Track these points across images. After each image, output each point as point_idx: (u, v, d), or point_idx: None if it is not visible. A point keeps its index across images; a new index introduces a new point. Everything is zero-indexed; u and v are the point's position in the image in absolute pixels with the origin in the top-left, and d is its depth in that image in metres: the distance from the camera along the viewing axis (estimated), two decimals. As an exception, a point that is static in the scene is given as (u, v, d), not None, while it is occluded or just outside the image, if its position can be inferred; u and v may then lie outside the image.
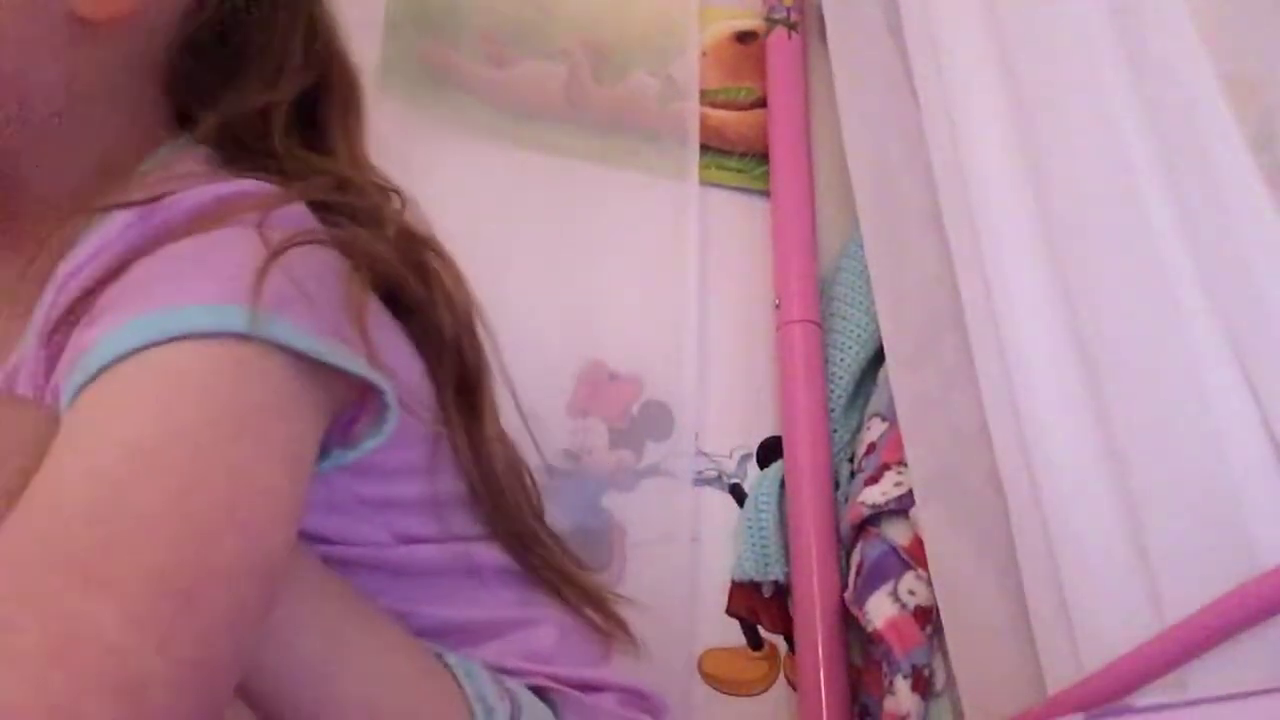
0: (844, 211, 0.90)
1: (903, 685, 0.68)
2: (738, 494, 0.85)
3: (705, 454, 0.85)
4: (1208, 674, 0.53)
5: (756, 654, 0.80)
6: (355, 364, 0.41)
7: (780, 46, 0.99)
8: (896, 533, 0.74)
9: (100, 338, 0.37)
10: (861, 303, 0.85)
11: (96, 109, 0.49)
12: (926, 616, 0.70)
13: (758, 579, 0.80)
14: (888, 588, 0.72)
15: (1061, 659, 0.60)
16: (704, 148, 0.96)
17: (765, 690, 0.80)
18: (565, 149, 0.92)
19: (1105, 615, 0.58)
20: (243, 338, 0.37)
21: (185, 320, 0.37)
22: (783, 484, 0.82)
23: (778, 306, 0.88)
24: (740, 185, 0.96)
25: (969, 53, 0.80)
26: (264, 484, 0.36)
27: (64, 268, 0.43)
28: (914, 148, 0.83)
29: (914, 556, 0.72)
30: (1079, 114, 0.71)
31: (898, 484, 0.75)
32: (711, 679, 0.79)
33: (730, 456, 0.86)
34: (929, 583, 0.71)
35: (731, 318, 0.91)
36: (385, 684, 0.45)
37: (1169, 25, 0.69)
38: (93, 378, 0.36)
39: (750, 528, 0.81)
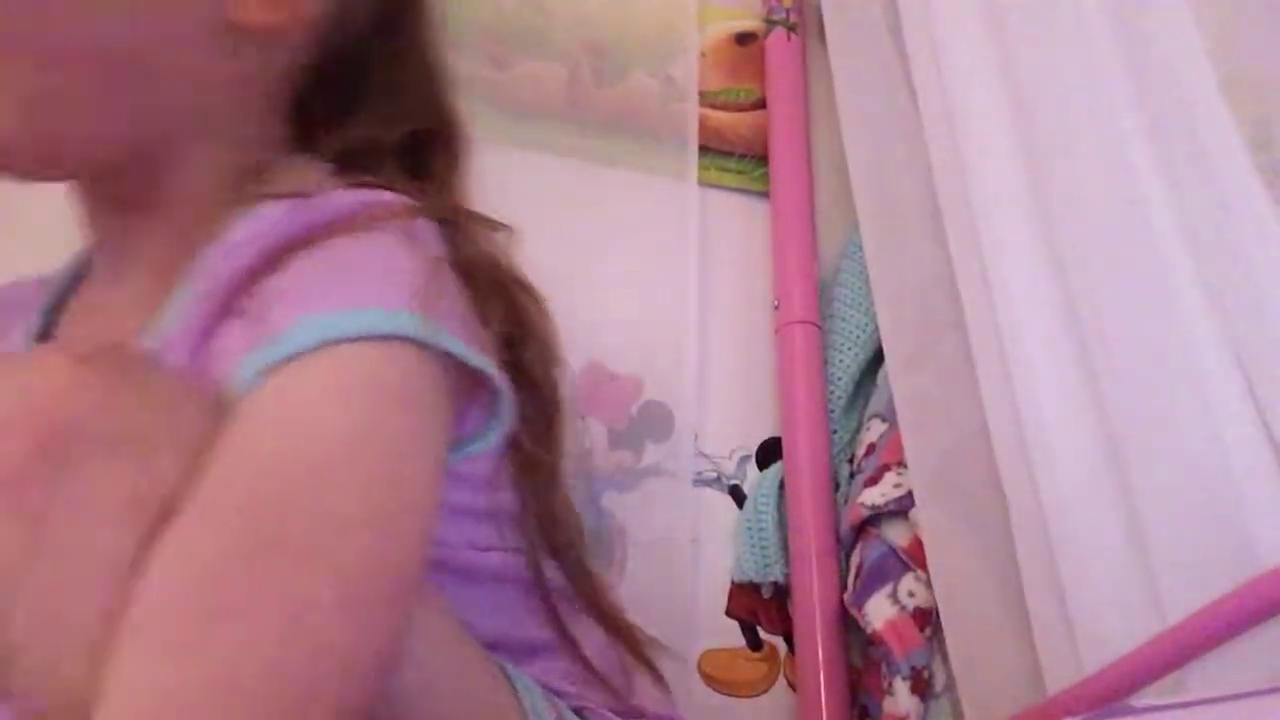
0: (844, 211, 0.90)
1: (902, 687, 0.68)
2: (737, 495, 0.85)
3: (705, 455, 0.85)
4: (1207, 674, 0.53)
5: (756, 655, 0.80)
6: (495, 373, 0.44)
7: (779, 47, 0.99)
8: (896, 534, 0.74)
9: (284, 327, 0.39)
10: (861, 303, 0.85)
11: (232, 113, 0.51)
12: (926, 618, 0.70)
13: (757, 580, 0.80)
14: (887, 589, 0.71)
15: (1061, 659, 0.60)
16: (703, 149, 0.96)
17: (765, 691, 0.80)
18: (565, 149, 0.92)
19: (1105, 615, 0.58)
20: (412, 342, 0.40)
21: (367, 321, 0.39)
22: (782, 485, 0.82)
23: (777, 307, 0.88)
24: (740, 186, 0.96)
25: (969, 53, 0.79)
26: (426, 487, 0.40)
27: (216, 252, 0.45)
28: (914, 148, 0.83)
29: (913, 558, 0.72)
30: (1079, 114, 0.70)
31: (897, 485, 0.75)
32: (711, 680, 0.79)
33: (730, 457, 0.86)
34: (928, 584, 0.71)
35: (731, 318, 0.91)
36: (455, 678, 0.46)
37: (1169, 25, 0.69)
38: (276, 366, 0.38)
39: (750, 529, 0.81)
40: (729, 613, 0.81)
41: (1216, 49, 0.67)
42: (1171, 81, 0.67)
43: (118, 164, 0.49)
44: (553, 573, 0.54)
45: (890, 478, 0.76)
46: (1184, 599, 0.54)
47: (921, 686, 0.69)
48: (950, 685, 0.68)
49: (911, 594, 0.71)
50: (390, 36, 0.56)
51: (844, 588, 0.76)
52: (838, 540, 0.78)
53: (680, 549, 0.81)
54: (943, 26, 0.82)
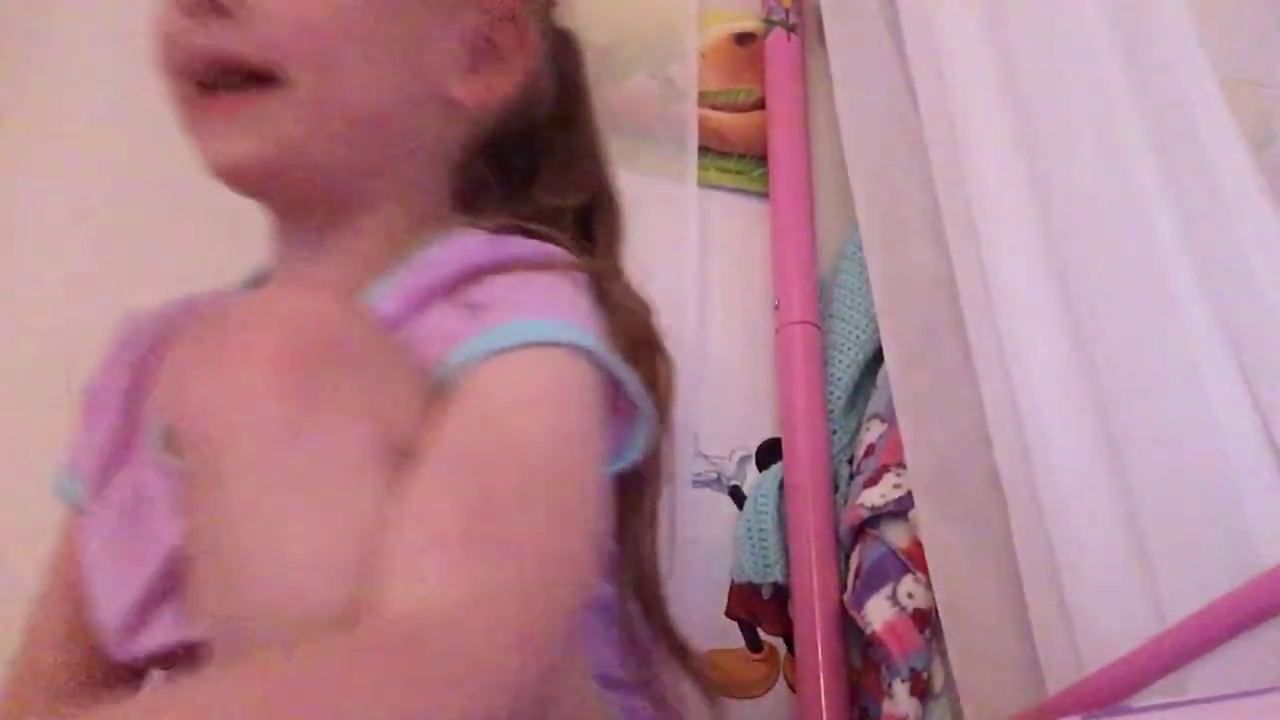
0: (844, 211, 0.90)
1: (900, 688, 0.68)
2: (737, 496, 0.85)
3: (705, 455, 0.85)
4: (1207, 674, 0.52)
5: (756, 656, 0.80)
6: (646, 402, 0.51)
7: (779, 48, 0.99)
8: (895, 535, 0.74)
9: (501, 323, 0.46)
10: (861, 303, 0.85)
11: (426, 169, 0.58)
12: (925, 619, 0.70)
13: (757, 581, 0.80)
14: (886, 590, 0.71)
15: (1061, 659, 0.59)
16: (703, 149, 0.96)
17: (765, 692, 0.79)
18: (564, 150, 0.92)
19: (1105, 615, 0.58)
20: (591, 358, 0.47)
21: (571, 332, 0.47)
22: (782, 486, 0.82)
23: (777, 308, 0.88)
24: (739, 187, 0.96)
25: (969, 53, 0.79)
26: (603, 475, 0.46)
27: (419, 260, 0.52)
28: (914, 148, 0.83)
29: (913, 559, 0.72)
30: (1079, 114, 0.70)
31: (896, 486, 0.75)
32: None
33: (729, 458, 0.86)
34: (927, 585, 0.70)
35: (731, 319, 0.91)
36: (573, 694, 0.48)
37: (1169, 25, 0.69)
38: (496, 353, 0.44)
39: (749, 529, 0.81)
40: (729, 613, 0.81)
41: (1216, 49, 0.67)
42: (1171, 81, 0.67)
43: (324, 199, 0.56)
44: (631, 608, 0.57)
45: (889, 479, 0.76)
46: (1184, 599, 0.54)
47: (920, 688, 0.69)
48: (949, 686, 0.68)
49: (911, 595, 0.71)
50: (565, 116, 0.64)
51: (843, 589, 0.76)
52: (837, 541, 0.78)
53: (680, 549, 0.81)
54: (942, 26, 0.82)
